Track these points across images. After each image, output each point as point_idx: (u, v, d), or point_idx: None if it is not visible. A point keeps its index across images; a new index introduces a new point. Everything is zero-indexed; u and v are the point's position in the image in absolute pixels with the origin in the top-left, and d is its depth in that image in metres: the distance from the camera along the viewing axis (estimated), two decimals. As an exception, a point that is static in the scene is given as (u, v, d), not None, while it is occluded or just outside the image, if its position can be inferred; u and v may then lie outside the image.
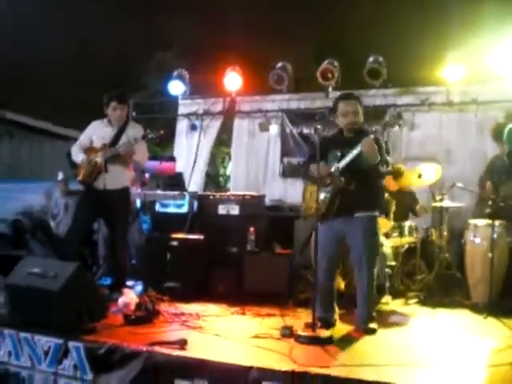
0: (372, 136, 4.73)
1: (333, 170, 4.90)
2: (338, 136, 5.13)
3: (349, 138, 5.00)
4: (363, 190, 4.85)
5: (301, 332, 4.62)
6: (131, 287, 6.23)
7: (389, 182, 7.00)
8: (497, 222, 5.92)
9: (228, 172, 10.61)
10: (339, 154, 4.94)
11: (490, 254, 5.84)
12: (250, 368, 3.80)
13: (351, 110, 4.98)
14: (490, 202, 6.00)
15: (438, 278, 6.55)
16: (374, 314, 5.09)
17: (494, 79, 7.51)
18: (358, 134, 4.96)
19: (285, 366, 3.81)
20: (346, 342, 4.65)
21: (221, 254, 6.66)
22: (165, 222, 7.17)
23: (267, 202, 7.68)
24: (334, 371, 3.77)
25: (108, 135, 6.05)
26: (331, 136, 5.20)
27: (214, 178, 11.58)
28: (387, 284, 6.10)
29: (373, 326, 4.96)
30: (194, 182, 9.10)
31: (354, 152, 4.79)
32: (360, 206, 4.90)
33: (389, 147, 5.21)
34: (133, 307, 5.19)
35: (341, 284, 5.91)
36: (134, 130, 6.09)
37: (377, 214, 5.05)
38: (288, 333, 4.66)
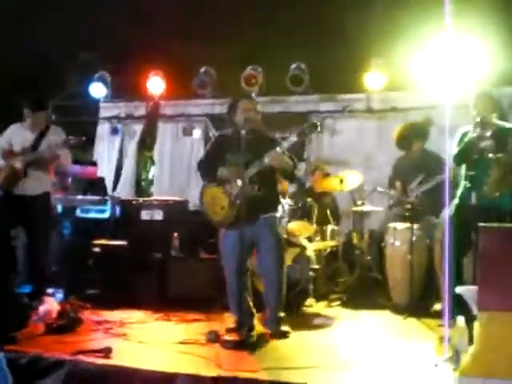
0: (278, 149, 4.76)
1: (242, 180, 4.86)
2: (236, 136, 4.97)
3: (250, 140, 4.90)
4: (267, 193, 4.91)
5: (226, 337, 4.63)
6: (52, 295, 6.06)
7: (317, 182, 7.15)
8: (415, 225, 6.11)
9: (150, 176, 10.48)
10: (239, 155, 4.88)
11: (409, 257, 6.02)
12: (176, 375, 3.77)
13: (253, 107, 5.05)
14: (407, 206, 6.19)
15: (360, 280, 6.71)
16: (283, 314, 5.04)
17: (412, 87, 7.79)
18: (259, 138, 5.00)
19: (211, 371, 3.81)
20: (272, 345, 4.69)
21: (145, 259, 6.54)
22: (87, 228, 7.04)
23: (191, 206, 7.64)
24: (261, 375, 3.79)
25: (28, 139, 5.87)
26: (230, 135, 5.10)
27: (137, 183, 11.39)
28: (311, 287, 6.19)
29: (284, 328, 4.96)
30: (122, 188, 8.98)
31: (261, 164, 4.79)
32: (265, 209, 4.96)
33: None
34: (54, 315, 5.06)
35: (260, 286, 5.95)
36: (56, 135, 5.93)
37: (278, 214, 5.17)
38: (214, 338, 4.66)
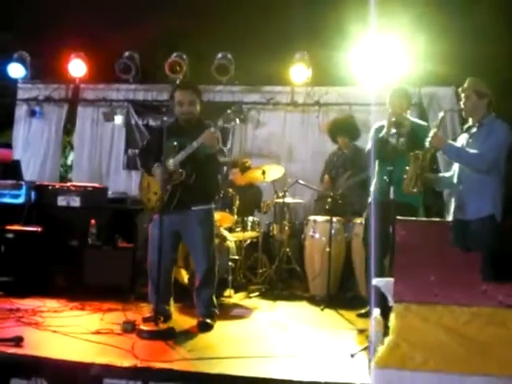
0: (213, 129, 4.71)
1: (172, 167, 4.81)
2: (174, 125, 5.00)
3: (186, 128, 4.95)
4: (201, 182, 4.85)
5: (143, 326, 4.56)
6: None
7: (236, 177, 7.16)
8: (335, 219, 6.22)
9: (69, 162, 10.19)
10: (176, 143, 4.85)
11: (327, 249, 6.13)
12: (91, 364, 3.68)
13: (186, 100, 4.94)
14: (329, 199, 6.28)
15: (279, 271, 6.76)
16: (215, 309, 5.06)
17: (336, 83, 7.92)
18: (196, 125, 4.95)
19: (127, 361, 3.74)
20: (188, 335, 4.64)
21: (60, 247, 6.40)
22: (-1, 213, 6.75)
23: (111, 194, 7.48)
24: (177, 365, 3.75)
25: None
26: (168, 125, 4.95)
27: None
28: (230, 277, 6.18)
29: (209, 320, 4.92)
30: (42, 173, 8.73)
31: (194, 145, 4.74)
32: (197, 200, 4.91)
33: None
34: (-38, 303, 4.85)
35: (184, 277, 5.92)
36: None
37: (212, 206, 5.09)
38: (130, 328, 4.57)
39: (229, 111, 4.86)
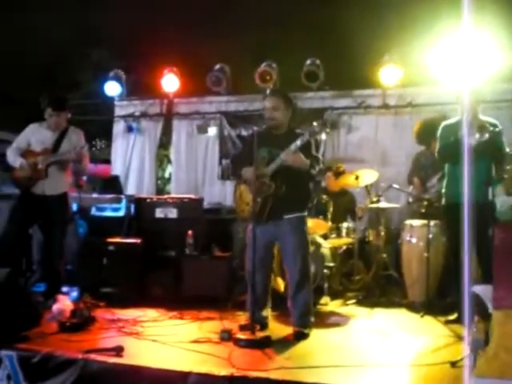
0: (293, 147, 4.67)
1: (263, 179, 4.82)
2: (265, 133, 4.95)
3: (277, 136, 4.93)
4: (293, 192, 4.81)
5: (240, 335, 4.59)
6: (66, 293, 6.06)
7: (330, 182, 7.10)
8: (432, 222, 6.03)
9: (167, 175, 10.47)
10: (266, 155, 4.86)
11: (425, 254, 5.95)
12: (189, 373, 3.73)
13: (270, 106, 4.92)
14: (424, 202, 6.12)
15: (376, 278, 6.64)
16: (310, 318, 4.98)
17: (428, 83, 7.70)
18: (286, 134, 4.93)
19: (224, 370, 3.77)
20: (285, 344, 4.62)
21: (159, 257, 6.57)
22: (101, 226, 7.02)
23: (206, 204, 7.61)
24: (274, 374, 3.74)
25: (48, 139, 5.85)
26: (259, 132, 4.90)
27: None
28: (326, 285, 6.12)
29: (304, 330, 4.86)
30: (141, 186, 9.02)
31: (278, 161, 4.75)
32: (289, 209, 4.86)
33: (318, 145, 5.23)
34: (68, 314, 5.04)
35: (280, 285, 5.91)
36: (76, 136, 5.93)
37: (305, 214, 5.02)
38: (227, 336, 4.61)
39: (315, 124, 4.79)
